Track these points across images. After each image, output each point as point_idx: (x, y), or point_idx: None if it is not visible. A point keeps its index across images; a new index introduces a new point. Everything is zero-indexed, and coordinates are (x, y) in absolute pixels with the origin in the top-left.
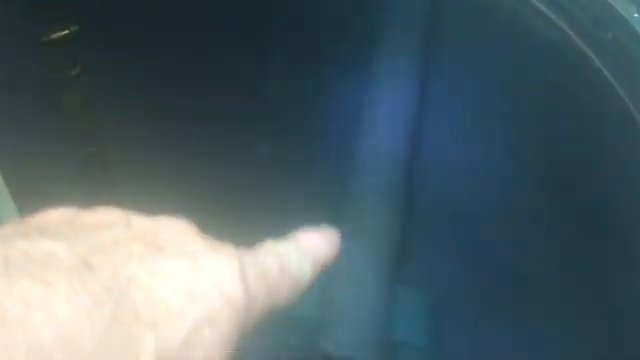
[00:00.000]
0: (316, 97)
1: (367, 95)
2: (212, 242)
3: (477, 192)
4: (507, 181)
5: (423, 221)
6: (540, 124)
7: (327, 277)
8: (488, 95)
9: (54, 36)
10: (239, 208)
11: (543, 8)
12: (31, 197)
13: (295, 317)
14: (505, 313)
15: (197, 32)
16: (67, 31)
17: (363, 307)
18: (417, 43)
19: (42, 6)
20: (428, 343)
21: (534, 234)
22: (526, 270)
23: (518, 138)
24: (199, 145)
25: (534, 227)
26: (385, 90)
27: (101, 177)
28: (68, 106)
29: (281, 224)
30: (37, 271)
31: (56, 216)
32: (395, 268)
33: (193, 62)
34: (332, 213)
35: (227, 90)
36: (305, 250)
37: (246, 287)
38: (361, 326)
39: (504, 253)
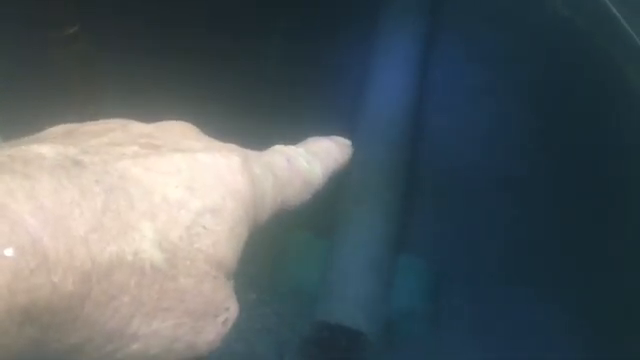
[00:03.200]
0: (320, 56)
1: (373, 55)
2: (213, 141)
3: (482, 160)
4: (512, 149)
5: (426, 189)
6: (546, 92)
7: (328, 248)
8: (494, 60)
9: None
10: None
11: None
12: None
13: (296, 289)
14: (507, 282)
15: None
16: None
17: (364, 277)
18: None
19: None
20: (429, 312)
21: (538, 204)
22: (530, 240)
23: (525, 105)
24: (201, 104)
25: (539, 197)
26: (391, 50)
27: None
28: (66, 65)
29: None
30: (20, 167)
31: (56, 129)
32: (397, 237)
33: (194, 21)
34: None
35: (230, 48)
36: (313, 150)
37: (250, 178)
38: (362, 296)
39: (507, 222)
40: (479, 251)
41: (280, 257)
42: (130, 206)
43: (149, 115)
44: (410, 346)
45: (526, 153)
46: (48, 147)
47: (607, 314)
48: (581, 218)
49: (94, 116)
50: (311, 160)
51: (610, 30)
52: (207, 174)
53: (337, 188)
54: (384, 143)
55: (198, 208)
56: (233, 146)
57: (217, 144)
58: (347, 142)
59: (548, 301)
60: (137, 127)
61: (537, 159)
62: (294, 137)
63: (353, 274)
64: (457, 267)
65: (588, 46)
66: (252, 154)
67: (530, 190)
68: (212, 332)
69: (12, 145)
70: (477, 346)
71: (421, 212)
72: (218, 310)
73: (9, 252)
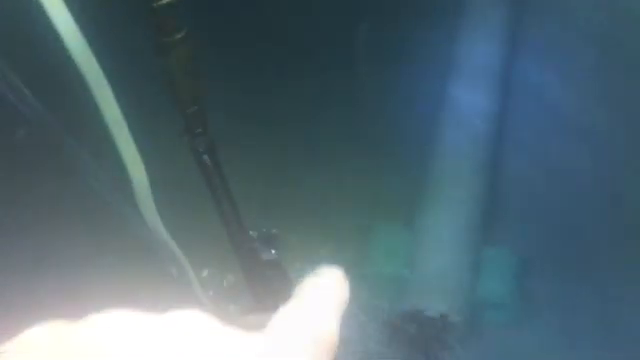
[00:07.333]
0: (404, 55)
1: (455, 51)
2: (238, 344)
3: (568, 153)
4: (600, 140)
5: (513, 182)
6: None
7: (413, 237)
8: (579, 52)
9: (164, 1)
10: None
11: None
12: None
13: (383, 277)
14: (595, 274)
15: None
16: None
17: (452, 266)
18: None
19: None
20: (516, 301)
21: (627, 195)
22: (619, 231)
23: (612, 97)
24: (291, 108)
25: (627, 189)
26: (474, 45)
27: (202, 132)
28: (172, 68)
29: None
30: None
31: (41, 337)
32: (483, 226)
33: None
34: (417, 173)
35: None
36: (325, 307)
37: None
38: (449, 284)
39: (595, 213)
40: (567, 242)
41: (367, 247)
42: None
43: (242, 116)
44: (495, 333)
45: (614, 145)
46: None
47: None
48: None
49: (195, 115)
50: (329, 318)
51: None
52: None
53: (420, 179)
54: (469, 134)
55: None
56: (261, 345)
57: (246, 344)
58: (339, 271)
59: (634, 295)
60: (143, 330)
61: (628, 149)
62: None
63: (439, 262)
64: (544, 258)
65: None
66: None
67: (620, 182)
68: None
69: None
70: (563, 336)
71: (508, 203)
72: None
73: None
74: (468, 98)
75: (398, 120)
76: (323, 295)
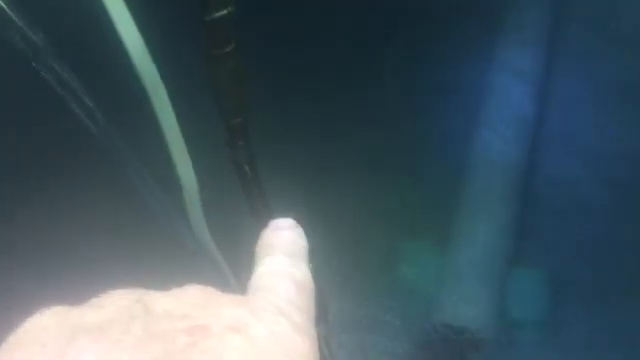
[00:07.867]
0: (439, 66)
1: (492, 69)
2: (247, 304)
3: (601, 178)
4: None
5: (546, 202)
6: None
7: (444, 255)
8: (615, 78)
9: (216, 15)
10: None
11: None
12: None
13: (413, 292)
14: (626, 298)
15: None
16: (226, 11)
17: (482, 284)
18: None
19: None
20: (543, 321)
21: None
22: None
23: None
24: (326, 125)
25: None
26: (511, 64)
27: (244, 144)
28: (219, 80)
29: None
30: None
31: (44, 323)
32: (516, 249)
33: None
34: (449, 192)
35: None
36: (293, 253)
37: (306, 334)
38: (479, 302)
39: (628, 238)
40: (597, 265)
41: (397, 264)
42: None
43: (284, 129)
44: (524, 352)
45: None
46: None
47: None
48: None
49: (238, 126)
50: (299, 265)
51: None
52: (271, 349)
53: (452, 198)
54: (501, 154)
55: None
56: (261, 302)
57: (252, 304)
58: (291, 222)
59: None
60: (158, 304)
61: None
62: None
63: (469, 279)
64: (575, 280)
65: None
66: (291, 312)
67: None
68: None
69: None
70: (590, 357)
71: (539, 225)
72: None
73: None
74: (502, 118)
75: (431, 139)
76: (288, 247)
